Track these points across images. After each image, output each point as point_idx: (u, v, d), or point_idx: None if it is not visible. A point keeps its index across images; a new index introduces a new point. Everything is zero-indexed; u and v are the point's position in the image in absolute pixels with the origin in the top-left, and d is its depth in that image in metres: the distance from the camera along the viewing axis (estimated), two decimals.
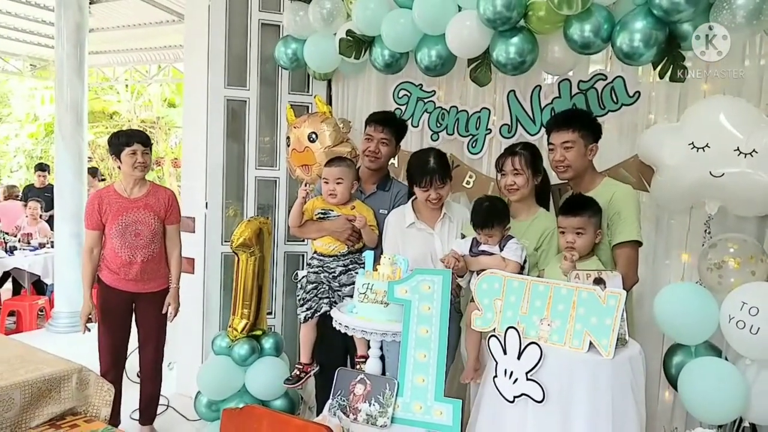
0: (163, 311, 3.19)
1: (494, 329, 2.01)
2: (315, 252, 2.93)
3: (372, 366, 2.33)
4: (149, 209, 3.09)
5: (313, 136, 3.36)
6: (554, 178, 2.78)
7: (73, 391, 1.86)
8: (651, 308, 2.51)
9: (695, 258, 2.73)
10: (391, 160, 3.23)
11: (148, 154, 3.09)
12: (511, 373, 1.89)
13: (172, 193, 3.23)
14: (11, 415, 1.74)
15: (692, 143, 2.39)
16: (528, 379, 1.85)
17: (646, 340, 2.67)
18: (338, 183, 2.79)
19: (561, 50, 2.77)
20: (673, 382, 2.38)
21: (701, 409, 2.17)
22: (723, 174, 2.34)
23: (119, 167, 3.10)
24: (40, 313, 5.78)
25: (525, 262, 2.40)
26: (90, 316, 3.11)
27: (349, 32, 3.19)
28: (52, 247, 5.82)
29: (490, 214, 2.39)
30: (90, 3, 6.20)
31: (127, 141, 3.03)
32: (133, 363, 3.38)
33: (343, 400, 2.20)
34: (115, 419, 2.76)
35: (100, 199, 3.08)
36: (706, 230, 2.60)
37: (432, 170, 2.60)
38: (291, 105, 3.63)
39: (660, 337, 2.78)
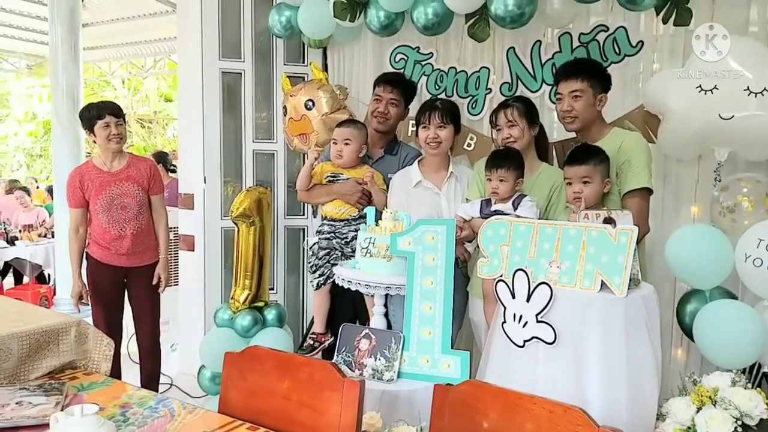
0: (153, 282, 3.13)
1: (501, 275, 1.94)
2: (325, 218, 2.86)
3: (377, 323, 2.27)
4: (132, 181, 3.04)
5: (310, 103, 3.30)
6: (562, 134, 2.71)
7: (72, 344, 1.81)
8: (660, 265, 2.44)
9: (705, 211, 2.67)
10: None
11: (122, 125, 3.04)
12: (521, 317, 1.82)
13: (153, 163, 3.20)
14: (9, 365, 1.70)
15: (699, 86, 2.32)
16: (538, 321, 1.78)
17: None
18: (346, 144, 2.73)
19: (560, 1, 2.69)
20: (687, 332, 2.30)
21: (717, 353, 2.09)
22: (732, 116, 2.26)
23: (95, 141, 3.04)
24: (43, 301, 5.73)
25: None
26: (82, 295, 3.07)
27: None
28: (53, 237, 5.77)
29: (507, 156, 2.34)
30: None
31: (99, 114, 2.97)
32: (134, 348, 3.34)
33: (348, 356, 2.14)
34: None
35: (80, 175, 3.02)
36: (716, 178, 2.52)
37: (434, 107, 2.56)
38: (287, 76, 3.57)
39: (671, 295, 2.71)
